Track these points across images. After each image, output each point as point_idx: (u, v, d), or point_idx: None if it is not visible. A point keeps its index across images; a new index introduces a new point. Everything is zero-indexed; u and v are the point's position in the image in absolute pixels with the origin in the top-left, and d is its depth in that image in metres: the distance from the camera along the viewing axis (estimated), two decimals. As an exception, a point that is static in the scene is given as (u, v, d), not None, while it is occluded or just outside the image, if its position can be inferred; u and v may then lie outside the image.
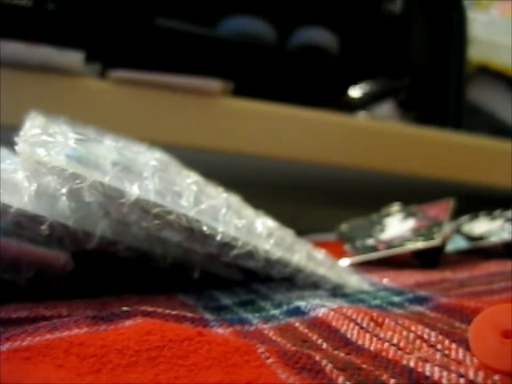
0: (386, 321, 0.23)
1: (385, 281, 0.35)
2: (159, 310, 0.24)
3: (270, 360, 0.19)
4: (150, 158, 0.32)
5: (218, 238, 0.29)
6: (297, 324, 0.24)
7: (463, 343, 0.20)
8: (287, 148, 0.63)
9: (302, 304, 0.26)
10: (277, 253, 0.31)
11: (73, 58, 0.54)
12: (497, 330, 0.18)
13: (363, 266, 0.41)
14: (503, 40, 0.83)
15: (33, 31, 0.58)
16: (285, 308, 0.27)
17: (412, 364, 0.18)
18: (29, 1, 0.58)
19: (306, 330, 0.23)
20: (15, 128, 0.28)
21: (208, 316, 0.26)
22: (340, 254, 0.44)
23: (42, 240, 0.26)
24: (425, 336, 0.22)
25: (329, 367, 0.18)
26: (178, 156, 0.38)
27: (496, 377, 0.17)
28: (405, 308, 0.28)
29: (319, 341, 0.22)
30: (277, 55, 0.71)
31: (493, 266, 0.39)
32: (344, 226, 0.52)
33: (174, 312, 0.25)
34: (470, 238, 0.48)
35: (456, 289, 0.33)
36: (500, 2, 0.90)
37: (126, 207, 0.26)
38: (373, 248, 0.44)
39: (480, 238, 0.47)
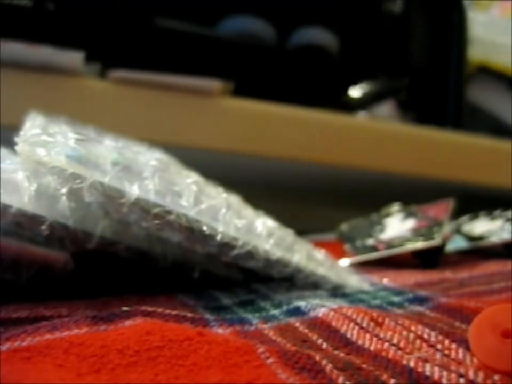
0: (386, 321, 0.23)
1: (385, 281, 0.35)
2: (159, 310, 0.24)
3: (270, 360, 0.19)
4: (150, 158, 0.32)
5: (218, 238, 0.29)
6: (297, 324, 0.24)
7: (463, 343, 0.20)
8: (287, 148, 0.63)
9: (302, 304, 0.26)
10: (277, 253, 0.31)
11: (73, 58, 0.54)
12: (497, 330, 0.18)
13: (363, 266, 0.41)
14: (503, 40, 0.83)
15: (33, 31, 0.58)
16: (285, 307, 0.27)
17: (412, 363, 0.18)
18: (29, 1, 0.58)
19: (306, 330, 0.23)
20: (15, 128, 0.28)
21: (208, 315, 0.26)
22: (340, 254, 0.44)
23: (42, 240, 0.26)
24: (425, 336, 0.22)
25: (329, 367, 0.18)
26: (178, 156, 0.38)
27: (496, 377, 0.17)
28: (405, 308, 0.28)
29: (319, 341, 0.22)
30: (277, 55, 0.71)
31: (493, 266, 0.39)
32: (344, 226, 0.52)
33: (174, 312, 0.25)
34: (470, 238, 0.48)
35: (456, 289, 0.33)
36: (500, 2, 0.90)
37: (126, 207, 0.26)
38: (373, 248, 0.44)
39: (480, 238, 0.47)
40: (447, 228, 0.44)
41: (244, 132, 0.61)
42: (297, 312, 0.26)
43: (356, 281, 0.34)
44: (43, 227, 0.25)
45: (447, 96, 0.78)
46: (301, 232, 0.37)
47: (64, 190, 0.25)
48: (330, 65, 0.74)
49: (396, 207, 0.53)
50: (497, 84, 0.84)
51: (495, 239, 0.45)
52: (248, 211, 0.35)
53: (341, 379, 0.17)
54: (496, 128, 0.80)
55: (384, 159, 0.67)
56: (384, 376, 0.18)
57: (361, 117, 0.77)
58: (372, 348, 0.21)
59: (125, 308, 0.24)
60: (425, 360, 0.18)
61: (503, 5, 0.89)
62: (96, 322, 0.22)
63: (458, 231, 0.50)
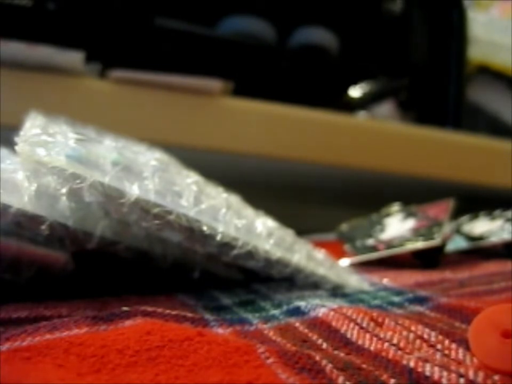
0: (386, 321, 0.23)
1: (385, 281, 0.35)
2: (159, 310, 0.24)
3: (270, 360, 0.19)
4: (150, 158, 0.32)
5: (218, 238, 0.29)
6: (297, 324, 0.24)
7: (463, 343, 0.20)
8: (287, 148, 0.63)
9: (302, 304, 0.26)
10: (277, 253, 0.31)
11: (73, 58, 0.54)
12: (497, 330, 0.18)
13: (363, 266, 0.41)
14: (503, 40, 0.83)
15: (33, 31, 0.58)
16: (285, 308, 0.27)
17: (412, 364, 0.18)
18: (29, 1, 0.58)
19: (306, 330, 0.23)
20: (15, 128, 0.28)
21: (208, 316, 0.26)
22: (340, 254, 0.44)
23: (42, 240, 0.26)
24: (425, 336, 0.22)
25: (329, 367, 0.18)
26: (178, 156, 0.38)
27: (496, 377, 0.17)
28: (405, 308, 0.28)
29: (319, 341, 0.22)
30: (277, 55, 0.71)
31: (493, 266, 0.39)
32: (344, 226, 0.52)
33: (174, 312, 0.25)
34: (470, 238, 0.48)
35: (456, 289, 0.33)
36: (500, 2, 0.90)
37: (126, 207, 0.26)
38: (373, 248, 0.44)
39: (480, 238, 0.47)
40: (447, 227, 0.44)
41: (244, 132, 0.61)
42: (297, 312, 0.26)
43: (356, 281, 0.34)
44: (43, 227, 0.25)
45: (447, 96, 0.78)
46: (301, 232, 0.37)
47: (64, 190, 0.25)
48: (330, 65, 0.74)
49: (396, 207, 0.53)
50: (497, 84, 0.84)
51: (495, 239, 0.45)
52: (248, 211, 0.35)
53: (341, 379, 0.17)
54: (496, 128, 0.80)
55: (384, 159, 0.67)
56: (384, 376, 0.18)
57: (361, 117, 0.77)
58: (372, 348, 0.21)
59: (125, 308, 0.24)
60: (425, 360, 0.18)
61: (503, 5, 0.89)
62: (96, 322, 0.22)
63: (458, 231, 0.50)
